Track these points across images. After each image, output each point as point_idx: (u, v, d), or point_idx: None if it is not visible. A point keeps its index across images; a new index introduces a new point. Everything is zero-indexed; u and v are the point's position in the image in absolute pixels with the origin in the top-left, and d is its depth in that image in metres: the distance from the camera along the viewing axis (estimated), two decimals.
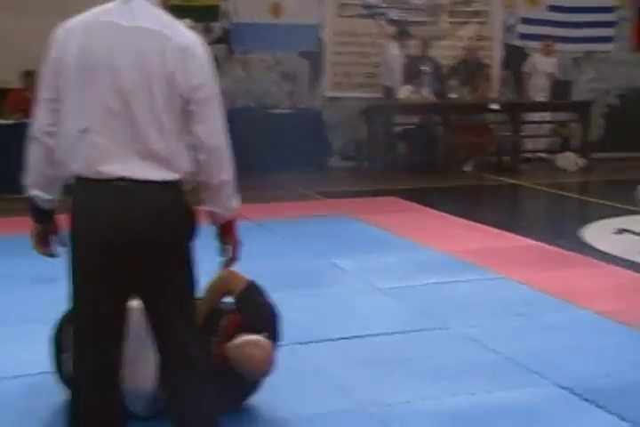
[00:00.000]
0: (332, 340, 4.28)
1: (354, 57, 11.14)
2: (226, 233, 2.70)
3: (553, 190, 9.62)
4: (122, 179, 2.44)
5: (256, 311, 3.42)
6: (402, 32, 10.70)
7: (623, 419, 3.34)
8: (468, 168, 10.80)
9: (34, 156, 2.54)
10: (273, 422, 3.34)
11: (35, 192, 2.57)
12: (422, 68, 10.66)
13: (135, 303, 2.78)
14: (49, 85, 2.52)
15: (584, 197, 9.47)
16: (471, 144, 10.89)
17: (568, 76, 11.87)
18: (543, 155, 11.48)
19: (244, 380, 3.30)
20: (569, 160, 10.90)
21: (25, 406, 3.48)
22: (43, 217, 2.64)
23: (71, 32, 2.50)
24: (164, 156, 2.47)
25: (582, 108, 10.97)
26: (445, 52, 11.33)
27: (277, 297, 4.86)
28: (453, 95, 10.82)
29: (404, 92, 10.49)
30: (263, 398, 3.46)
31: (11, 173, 7.99)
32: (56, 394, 3.39)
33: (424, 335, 4.38)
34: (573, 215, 8.36)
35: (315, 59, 11.02)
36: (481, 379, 3.77)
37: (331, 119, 10.97)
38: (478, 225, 7.27)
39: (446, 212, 7.82)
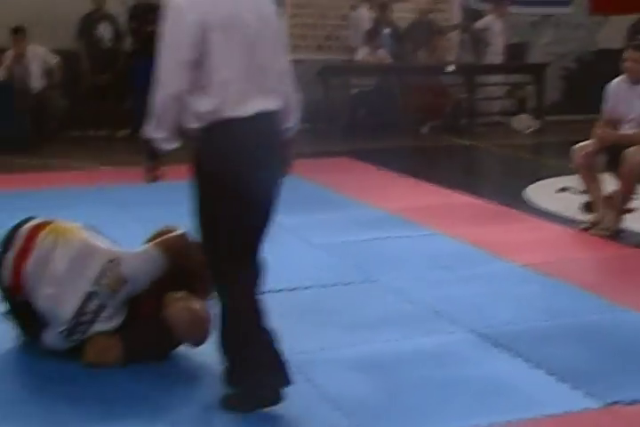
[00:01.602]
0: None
1: (312, 19, 11.14)
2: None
3: (506, 151, 9.74)
4: (261, 112, 2.85)
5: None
6: None
7: (528, 360, 3.48)
8: (424, 130, 10.88)
9: (171, 111, 2.79)
10: (190, 369, 3.44)
11: (161, 135, 2.83)
12: (382, 29, 10.70)
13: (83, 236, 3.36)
14: (192, 47, 2.75)
15: (535, 158, 9.60)
16: (428, 106, 10.96)
17: (525, 38, 11.94)
18: (499, 117, 11.58)
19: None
20: (523, 122, 11.03)
21: None
22: (156, 156, 2.94)
23: None
24: (277, 91, 2.94)
25: (537, 71, 11.08)
26: (406, 14, 11.36)
27: None
28: (411, 57, 10.88)
29: (361, 54, 10.53)
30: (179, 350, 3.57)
31: None
32: None
33: (351, 288, 4.49)
34: (522, 175, 8.47)
35: None
36: (398, 327, 3.88)
37: None
38: (426, 184, 7.37)
39: (398, 172, 7.91)
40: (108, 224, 4.13)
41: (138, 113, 10.42)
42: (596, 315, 4.05)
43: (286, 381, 2.97)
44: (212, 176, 2.83)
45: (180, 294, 3.46)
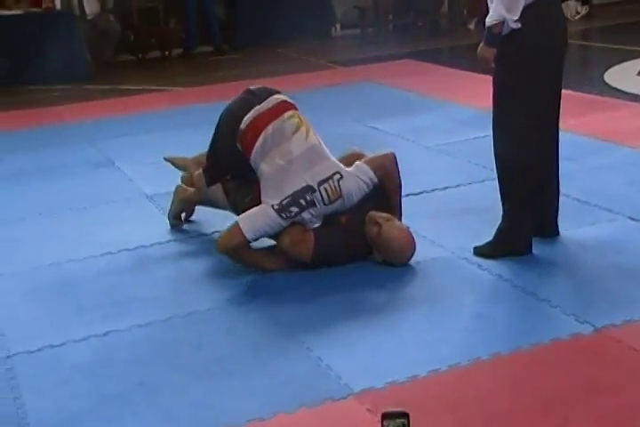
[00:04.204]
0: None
1: None
2: None
3: None
4: None
5: None
6: None
7: None
8: (471, 26, 10.73)
9: None
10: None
11: (515, 17, 3.19)
12: None
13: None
14: None
15: (594, 44, 9.46)
16: (472, 1, 10.77)
17: None
18: None
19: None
20: (570, 8, 10.81)
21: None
22: (496, 42, 3.29)
23: None
24: None
25: None
26: None
27: None
28: None
29: None
30: None
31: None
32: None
33: (488, 186, 4.53)
34: (591, 62, 8.38)
35: None
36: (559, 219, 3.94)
37: None
38: None
39: (463, 69, 7.82)
40: None
41: (189, 31, 10.30)
42: None
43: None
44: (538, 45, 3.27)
45: (386, 215, 3.58)
